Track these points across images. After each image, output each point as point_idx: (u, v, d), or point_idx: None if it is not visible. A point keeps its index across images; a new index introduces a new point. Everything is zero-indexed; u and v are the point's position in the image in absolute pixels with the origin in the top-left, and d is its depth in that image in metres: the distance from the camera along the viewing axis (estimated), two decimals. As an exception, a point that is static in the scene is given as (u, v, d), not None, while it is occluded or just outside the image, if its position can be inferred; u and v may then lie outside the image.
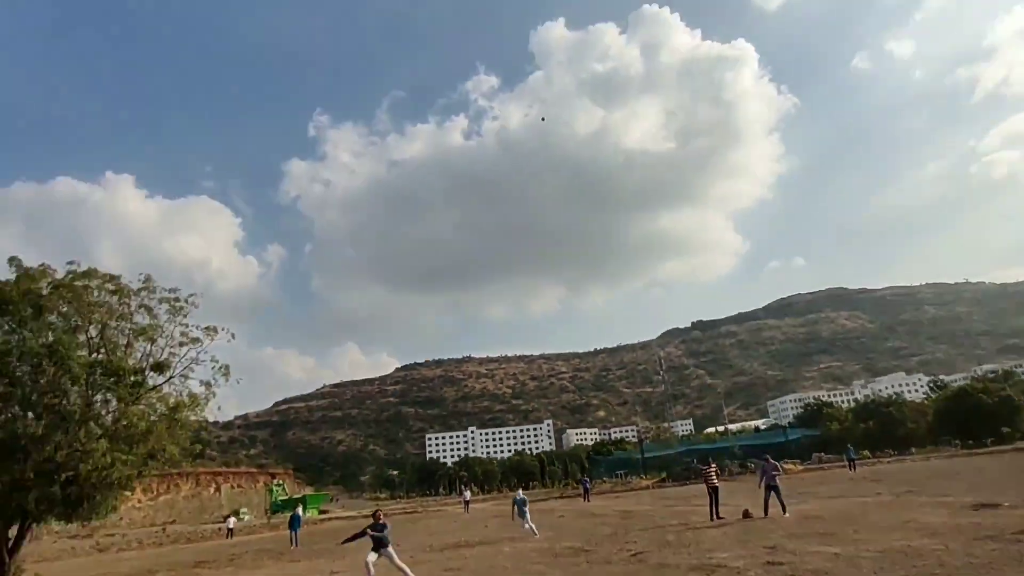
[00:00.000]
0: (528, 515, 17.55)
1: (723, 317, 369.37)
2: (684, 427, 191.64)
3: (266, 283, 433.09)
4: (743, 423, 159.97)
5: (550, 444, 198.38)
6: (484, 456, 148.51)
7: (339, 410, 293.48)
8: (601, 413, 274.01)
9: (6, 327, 11.91)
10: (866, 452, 52.78)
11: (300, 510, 28.55)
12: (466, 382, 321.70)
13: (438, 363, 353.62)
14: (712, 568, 9.14)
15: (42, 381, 11.65)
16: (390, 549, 10.91)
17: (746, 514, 15.69)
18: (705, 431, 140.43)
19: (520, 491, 21.58)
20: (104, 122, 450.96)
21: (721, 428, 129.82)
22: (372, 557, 10.70)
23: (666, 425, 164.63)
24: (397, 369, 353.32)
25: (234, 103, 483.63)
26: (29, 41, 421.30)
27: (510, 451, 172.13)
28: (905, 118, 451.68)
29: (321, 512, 58.21)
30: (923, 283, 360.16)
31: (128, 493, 15.31)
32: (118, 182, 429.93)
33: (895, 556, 8.47)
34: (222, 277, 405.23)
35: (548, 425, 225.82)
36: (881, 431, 57.01)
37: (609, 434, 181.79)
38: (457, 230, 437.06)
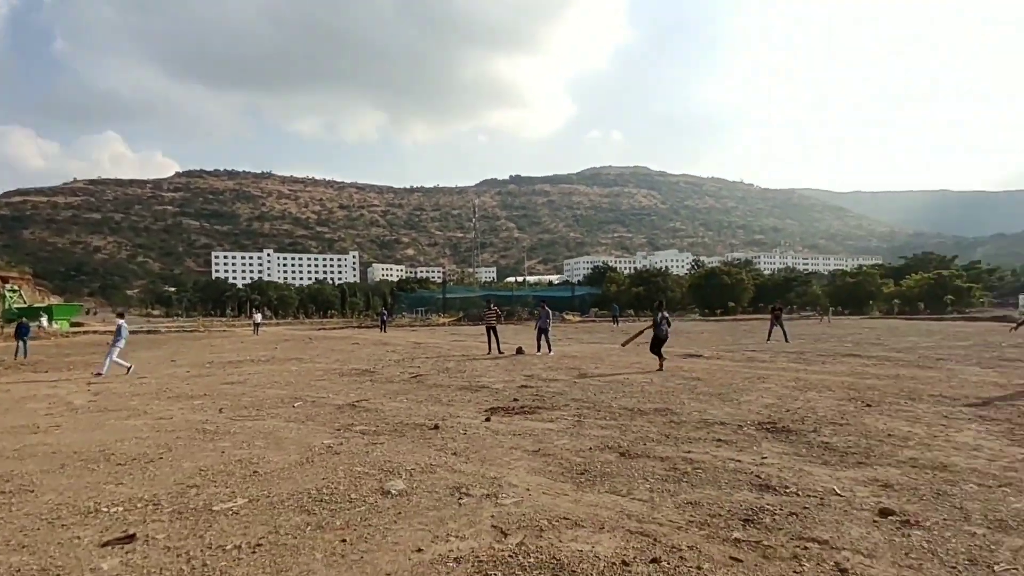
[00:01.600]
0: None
1: (540, 176, 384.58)
2: (488, 274, 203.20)
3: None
4: (540, 276, 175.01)
5: (354, 276, 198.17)
6: (280, 281, 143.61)
7: (97, 212, 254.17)
8: (410, 251, 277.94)
9: None
10: (632, 311, 62.06)
11: (45, 321, 25.32)
12: (265, 201, 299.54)
13: (231, 175, 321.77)
14: (477, 388, 11.12)
15: None
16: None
17: (519, 351, 18.53)
18: (506, 279, 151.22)
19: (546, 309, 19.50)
20: None
21: (520, 279, 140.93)
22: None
23: (471, 270, 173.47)
24: (178, 174, 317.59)
25: None
26: None
27: (310, 279, 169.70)
28: (727, 12, 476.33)
29: (73, 324, 52.66)
30: (710, 176, 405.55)
31: None
32: None
33: (615, 384, 11.08)
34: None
35: (354, 257, 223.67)
36: (648, 296, 66.82)
37: (415, 272, 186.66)
38: (263, 18, 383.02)
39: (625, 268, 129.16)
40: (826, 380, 10.74)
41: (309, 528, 4.04)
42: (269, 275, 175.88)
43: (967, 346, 17.40)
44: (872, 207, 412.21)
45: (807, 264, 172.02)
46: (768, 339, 21.43)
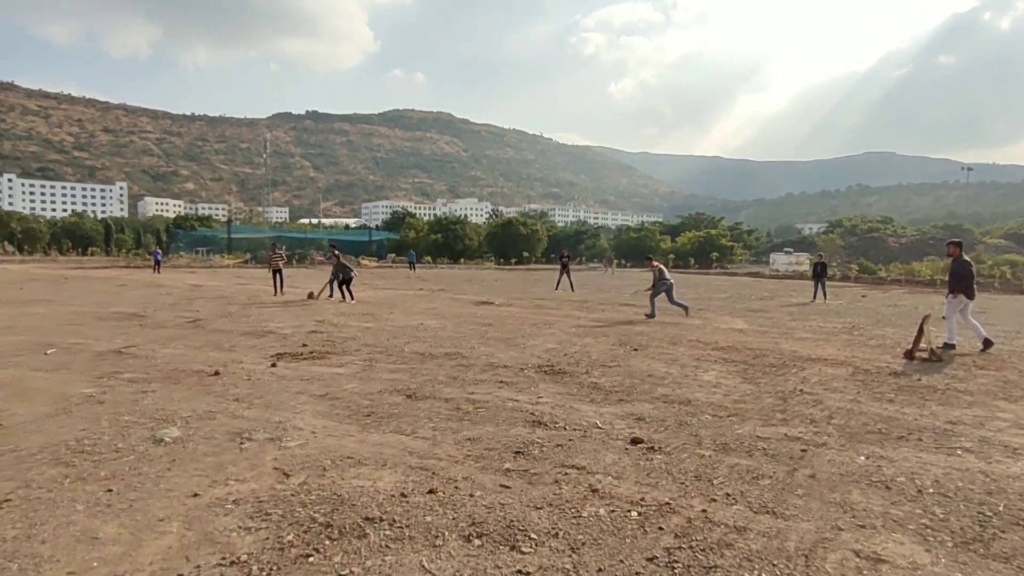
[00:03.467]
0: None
1: (339, 114, 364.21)
2: (279, 214, 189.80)
3: None
4: (336, 219, 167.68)
5: (122, 210, 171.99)
6: (27, 212, 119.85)
7: None
8: (190, 185, 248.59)
9: None
10: (429, 258, 62.50)
11: None
12: (5, 117, 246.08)
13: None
14: (262, 333, 10.37)
15: None
16: None
17: (310, 295, 17.66)
18: (299, 221, 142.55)
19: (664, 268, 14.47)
20: None
21: (315, 221, 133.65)
22: None
23: (260, 209, 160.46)
24: None
25: None
26: None
27: (65, 211, 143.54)
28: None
29: None
30: (511, 128, 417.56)
31: None
32: None
33: (409, 329, 11.08)
34: None
35: (121, 188, 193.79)
36: (445, 243, 67.66)
37: (196, 209, 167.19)
38: None
39: (425, 215, 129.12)
40: (599, 328, 11.86)
41: (68, 480, 3.67)
42: (11, 204, 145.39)
43: (724, 298, 20.37)
44: (657, 168, 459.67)
45: (597, 219, 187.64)
46: (556, 288, 23.03)
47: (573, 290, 22.46)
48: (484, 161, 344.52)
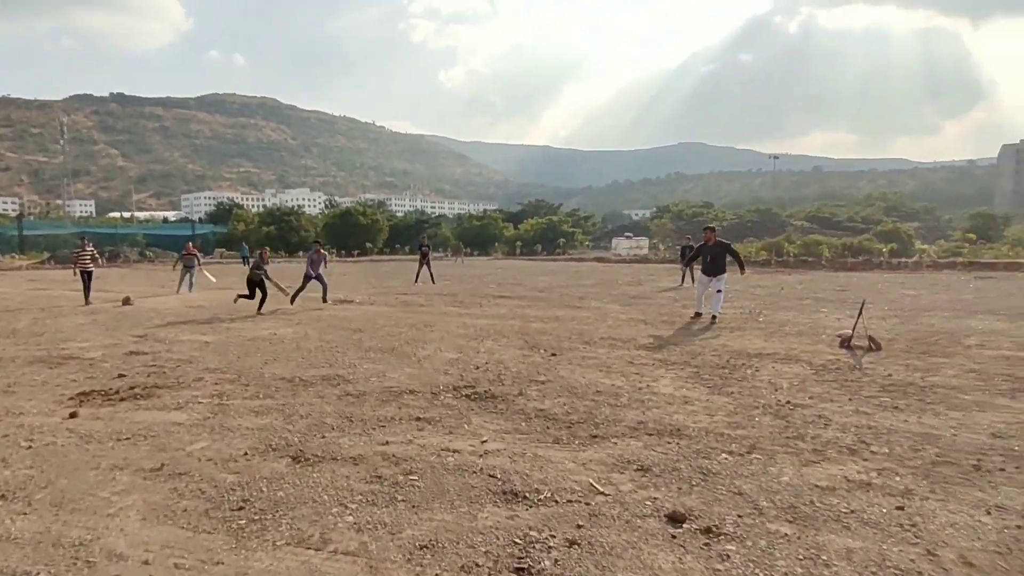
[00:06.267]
0: None
1: (150, 97, 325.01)
2: (84, 207, 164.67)
3: None
4: (153, 212, 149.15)
5: None
6: None
7: None
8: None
9: None
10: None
11: None
12: None
13: None
14: (60, 360, 7.44)
15: None
16: None
17: (126, 301, 14.21)
18: (109, 215, 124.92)
19: None
20: None
21: (127, 214, 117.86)
22: None
23: (60, 202, 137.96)
24: None
25: None
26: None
27: None
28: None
29: None
30: (342, 115, 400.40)
31: None
32: None
33: (261, 342, 8.66)
34: None
35: None
36: (279, 235, 61.93)
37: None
38: None
39: (253, 206, 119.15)
40: (494, 325, 10.28)
41: None
42: None
43: (591, 285, 19.67)
44: (490, 157, 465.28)
45: (435, 208, 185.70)
46: (416, 280, 21.07)
47: (434, 282, 20.67)
48: (315, 149, 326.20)
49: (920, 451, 4.06)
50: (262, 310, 12.41)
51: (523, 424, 4.75)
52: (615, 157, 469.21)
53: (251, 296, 12.62)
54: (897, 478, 3.60)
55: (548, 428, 4.62)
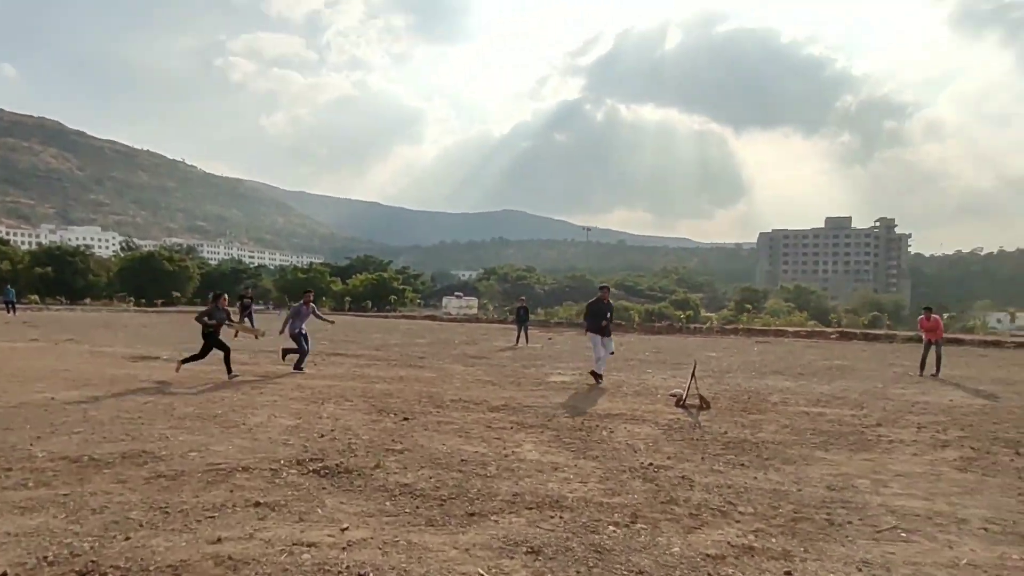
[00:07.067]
0: None
1: None
2: None
3: None
4: None
5: None
6: None
7: None
8: None
9: None
10: (35, 297, 48.29)
11: None
12: None
13: None
14: None
15: None
16: None
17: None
18: None
19: None
20: None
21: None
22: None
23: None
24: None
25: None
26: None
27: None
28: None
29: None
30: (145, 148, 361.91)
31: None
32: None
33: (34, 410, 6.99)
34: None
35: None
36: (59, 279, 53.23)
37: None
38: None
39: (24, 242, 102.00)
40: (334, 386, 9.43)
41: None
42: None
43: (428, 343, 19.02)
44: (315, 209, 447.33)
45: (253, 257, 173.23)
46: (235, 335, 19.00)
47: (257, 337, 18.82)
48: (109, 183, 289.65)
49: (778, 508, 4.24)
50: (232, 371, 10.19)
51: (388, 504, 4.19)
52: (442, 218, 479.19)
53: (202, 356, 10.26)
54: (772, 540, 3.67)
55: (418, 507, 4.12)
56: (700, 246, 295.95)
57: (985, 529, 3.93)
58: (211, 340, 10.20)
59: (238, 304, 20.56)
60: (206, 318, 10.18)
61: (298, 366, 11.20)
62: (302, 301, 11.94)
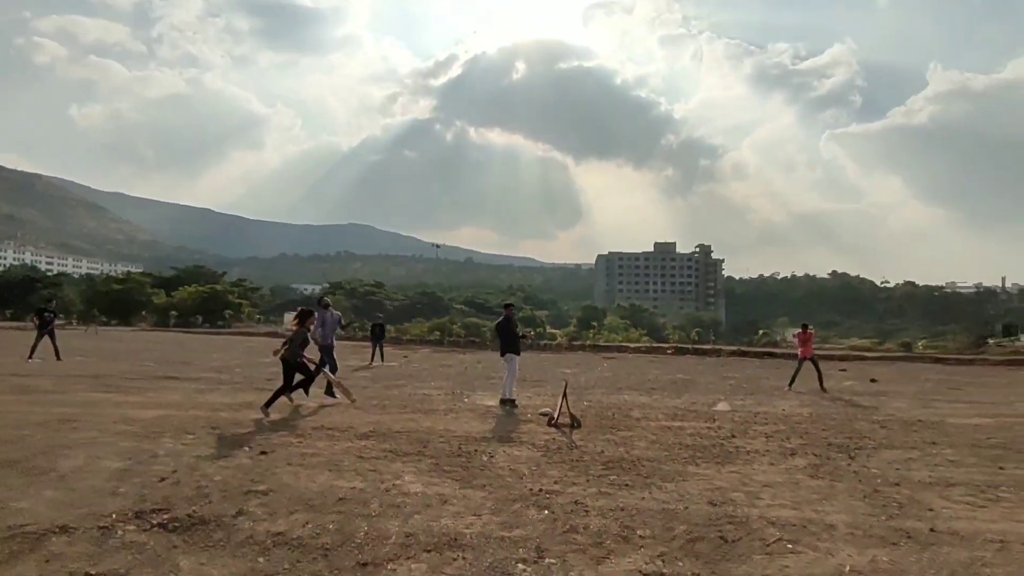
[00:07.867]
0: None
1: None
2: None
3: None
4: None
5: None
6: None
7: None
8: None
9: None
10: None
11: None
12: None
13: None
14: None
15: None
16: None
17: None
18: None
19: None
20: None
21: None
22: None
23: None
24: None
25: None
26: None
27: None
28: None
29: None
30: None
31: None
32: None
33: None
34: None
35: None
36: None
37: None
38: None
39: None
40: (170, 416, 8.19)
41: None
42: None
43: (273, 363, 17.24)
44: (136, 213, 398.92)
45: (53, 264, 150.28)
46: (31, 356, 16.16)
47: (59, 358, 16.18)
48: None
49: (674, 530, 4.27)
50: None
51: (261, 560, 3.58)
52: (283, 229, 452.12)
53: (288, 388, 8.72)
54: (679, 563, 3.65)
55: (298, 561, 3.57)
56: (544, 265, 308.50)
57: (852, 534, 4.25)
58: (298, 368, 8.84)
59: (35, 319, 17.55)
60: (296, 346, 8.83)
61: (312, 389, 10.00)
62: (321, 307, 11.34)
